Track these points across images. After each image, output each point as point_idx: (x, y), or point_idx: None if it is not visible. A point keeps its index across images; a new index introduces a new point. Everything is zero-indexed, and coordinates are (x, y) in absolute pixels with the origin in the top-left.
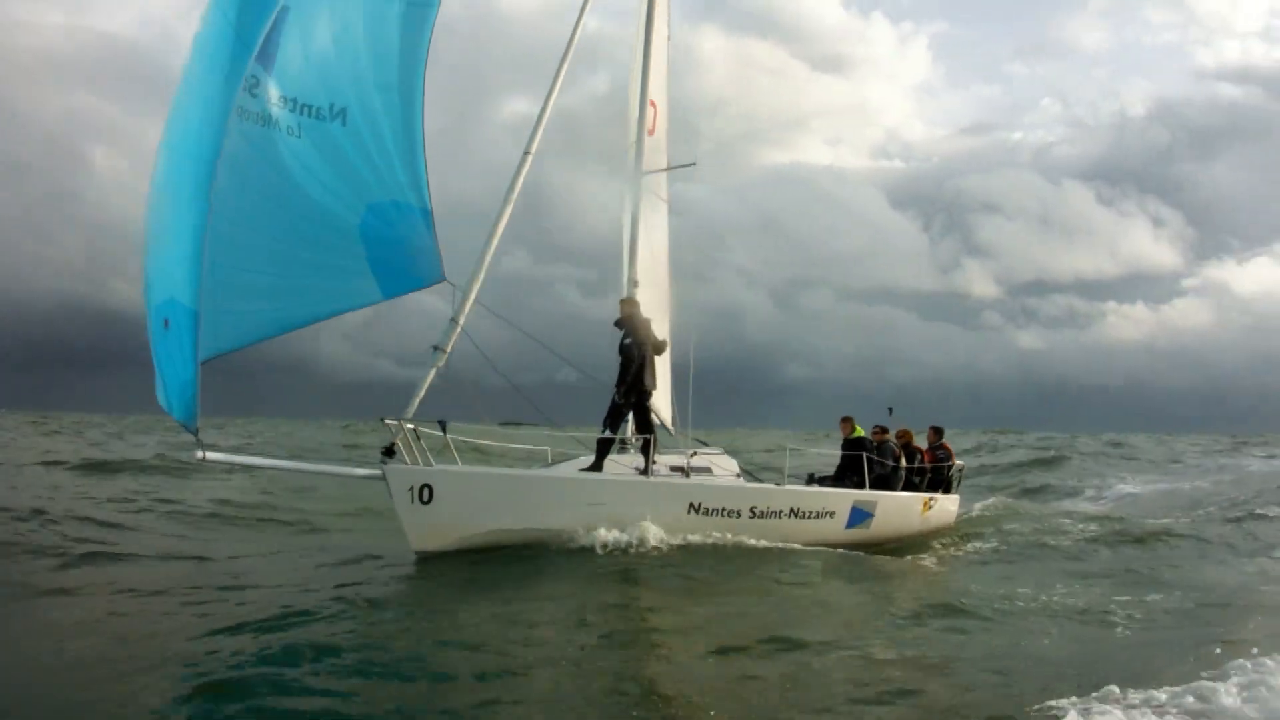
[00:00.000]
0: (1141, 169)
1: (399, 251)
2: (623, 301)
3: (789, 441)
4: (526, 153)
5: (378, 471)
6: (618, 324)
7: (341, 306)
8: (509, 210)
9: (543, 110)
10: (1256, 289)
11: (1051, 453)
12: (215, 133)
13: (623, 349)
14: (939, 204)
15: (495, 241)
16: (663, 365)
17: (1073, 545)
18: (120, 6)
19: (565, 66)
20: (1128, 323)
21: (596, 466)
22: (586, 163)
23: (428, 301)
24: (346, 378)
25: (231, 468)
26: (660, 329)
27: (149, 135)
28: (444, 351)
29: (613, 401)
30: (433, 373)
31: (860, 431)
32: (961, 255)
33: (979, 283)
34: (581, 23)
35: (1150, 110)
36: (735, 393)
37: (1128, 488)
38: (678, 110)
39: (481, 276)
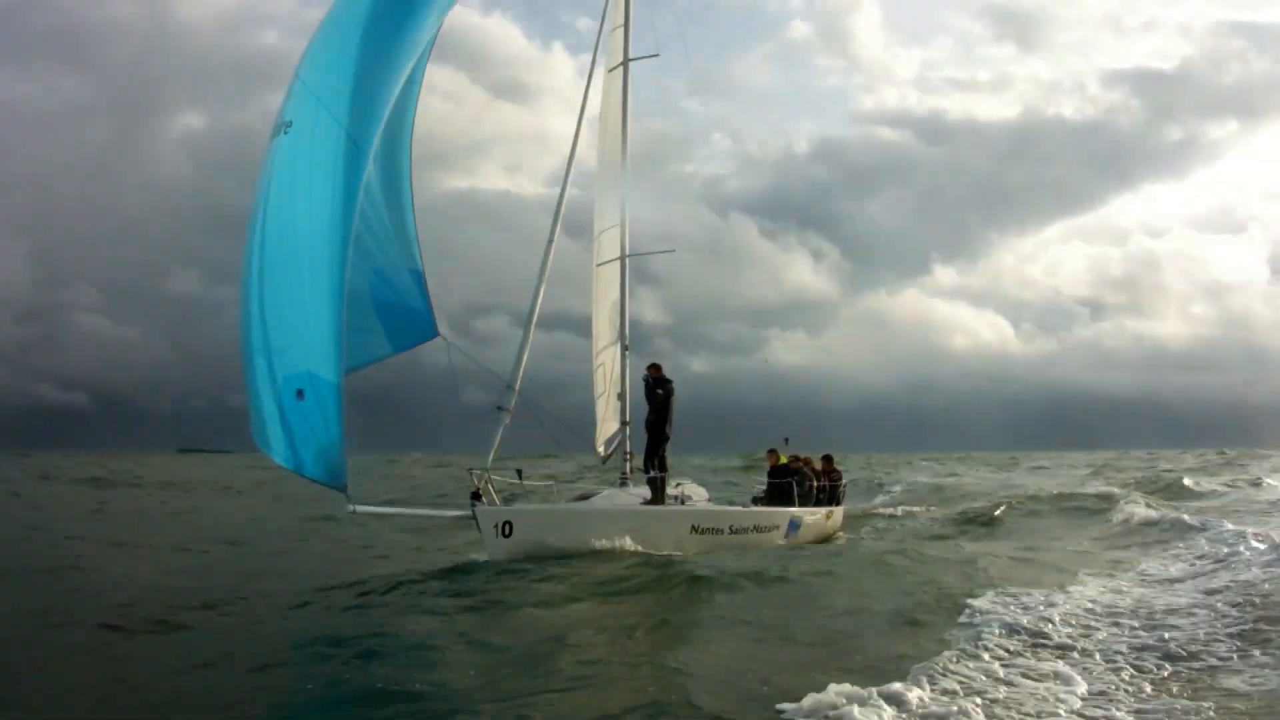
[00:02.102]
0: (803, 204)
1: (399, 309)
2: (651, 365)
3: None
4: (549, 241)
5: (469, 512)
6: (649, 380)
7: (365, 360)
8: (542, 290)
9: (559, 203)
10: (906, 318)
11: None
12: (347, 222)
13: (663, 400)
14: None
15: (535, 315)
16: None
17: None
18: None
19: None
20: (790, 349)
21: (658, 500)
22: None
23: (86, 323)
24: (10, 402)
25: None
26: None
27: None
28: (508, 411)
29: (650, 445)
30: (500, 430)
31: (784, 459)
32: (634, 283)
33: (651, 310)
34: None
35: (814, 149)
36: (415, 418)
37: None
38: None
39: (528, 345)
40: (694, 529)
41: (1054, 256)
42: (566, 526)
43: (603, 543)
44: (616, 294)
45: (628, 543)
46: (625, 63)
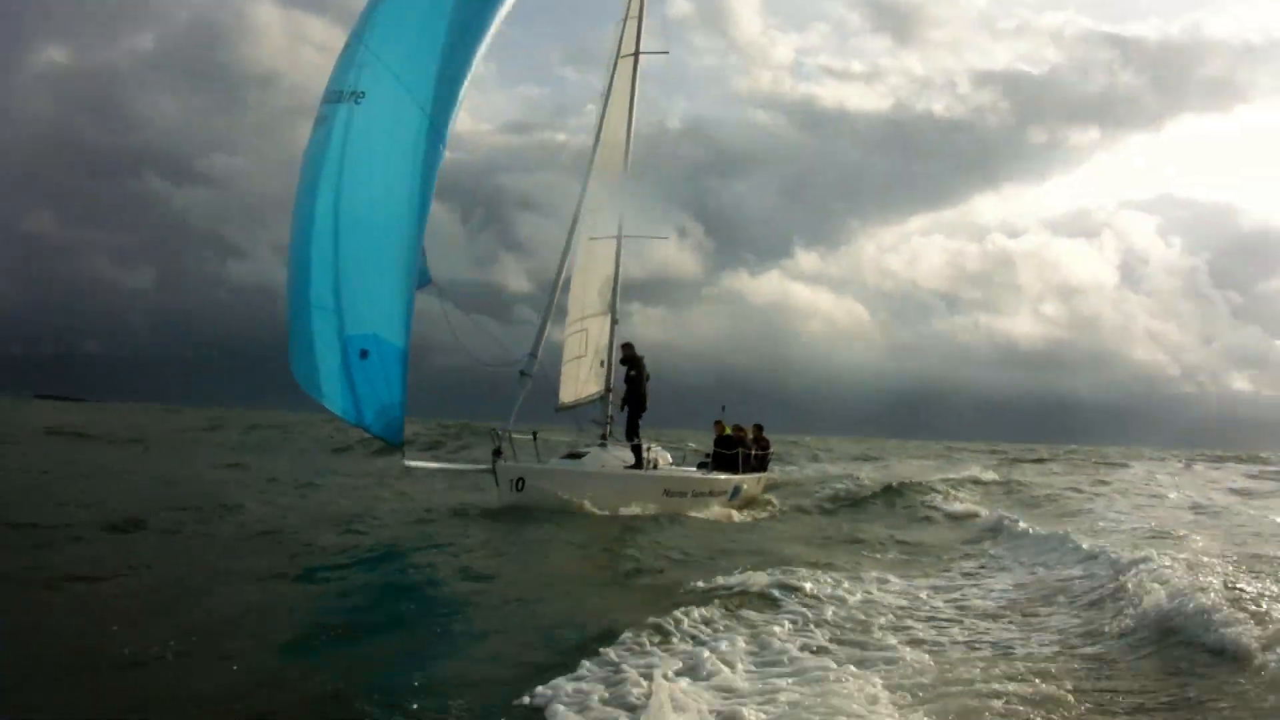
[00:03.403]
0: (672, 181)
1: None
2: (625, 345)
3: None
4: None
5: (489, 467)
6: (624, 362)
7: None
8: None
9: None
10: (766, 300)
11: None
12: (425, 203)
13: (637, 375)
14: (480, 197)
15: (557, 292)
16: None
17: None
18: None
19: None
20: (653, 324)
21: (638, 465)
22: None
23: None
24: None
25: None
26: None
27: None
28: (529, 376)
29: (629, 417)
30: (523, 394)
31: (728, 430)
32: (499, 249)
33: (514, 277)
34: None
35: (686, 126)
36: (266, 371)
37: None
38: None
39: (549, 319)
40: (666, 492)
41: (914, 249)
42: (568, 485)
43: (595, 501)
44: (608, 269)
45: (617, 503)
46: (636, 54)
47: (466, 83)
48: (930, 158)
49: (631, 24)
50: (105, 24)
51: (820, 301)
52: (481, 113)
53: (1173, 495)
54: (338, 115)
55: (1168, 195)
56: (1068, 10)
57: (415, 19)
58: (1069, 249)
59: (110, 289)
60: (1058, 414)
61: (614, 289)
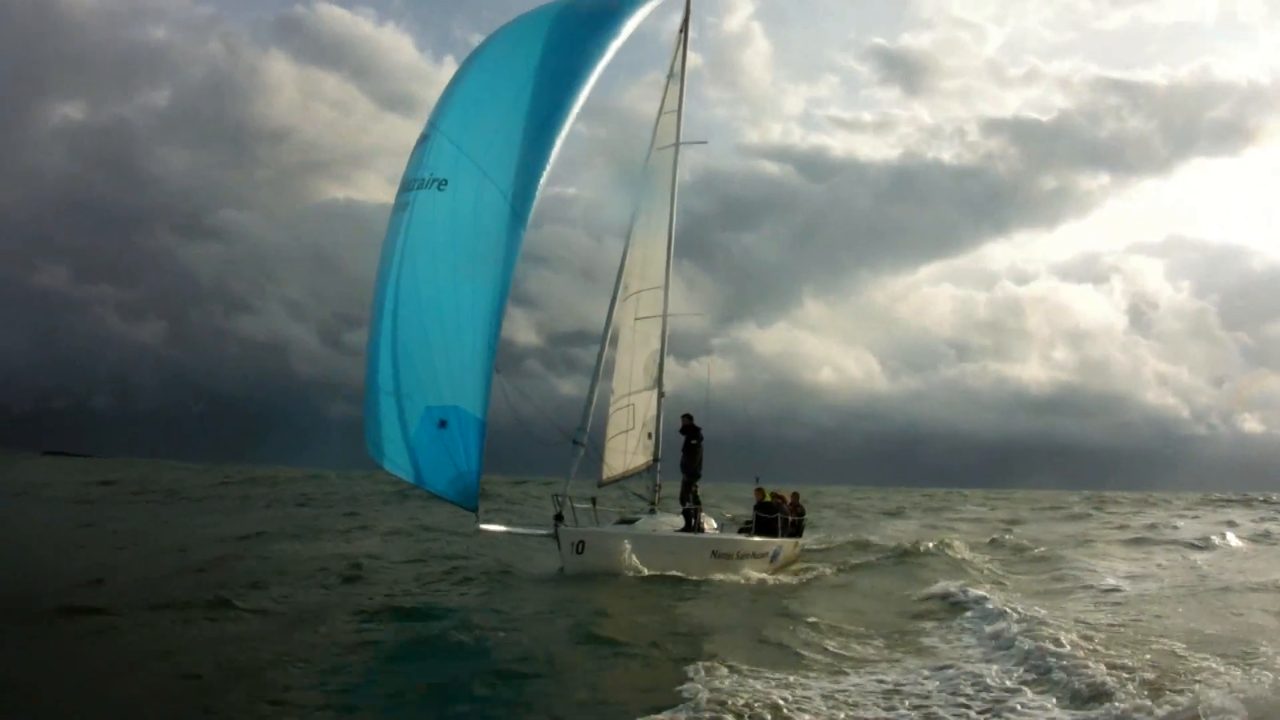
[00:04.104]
0: (681, 233)
1: None
2: (685, 416)
3: None
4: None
5: (552, 531)
6: (683, 431)
7: None
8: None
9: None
10: (775, 350)
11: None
12: (506, 285)
13: (694, 448)
14: None
15: (601, 364)
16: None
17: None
18: None
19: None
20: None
21: (691, 528)
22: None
23: None
24: None
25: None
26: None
27: None
28: (582, 445)
29: (685, 483)
30: (577, 461)
31: (768, 496)
32: (508, 304)
33: (523, 331)
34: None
35: (696, 178)
36: (274, 427)
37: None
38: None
39: (596, 389)
40: (714, 554)
41: (924, 297)
42: (624, 547)
43: (649, 562)
44: (654, 345)
45: (669, 564)
46: (677, 145)
47: (548, 169)
48: (940, 206)
49: (669, 118)
50: (122, 80)
51: (830, 351)
52: None
53: (1178, 543)
54: (419, 201)
55: (1177, 237)
56: (1075, 57)
57: (495, 109)
58: (1078, 294)
59: (120, 343)
60: (1069, 459)
61: (659, 364)
